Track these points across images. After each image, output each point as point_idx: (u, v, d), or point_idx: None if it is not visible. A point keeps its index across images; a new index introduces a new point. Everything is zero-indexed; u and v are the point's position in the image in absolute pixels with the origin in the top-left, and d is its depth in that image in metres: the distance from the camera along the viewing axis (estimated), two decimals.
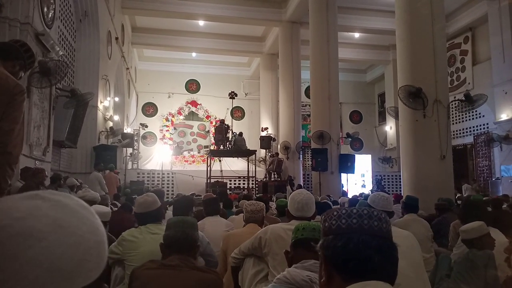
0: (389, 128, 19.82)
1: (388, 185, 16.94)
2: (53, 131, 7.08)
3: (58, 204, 0.56)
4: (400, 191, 10.66)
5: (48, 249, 0.51)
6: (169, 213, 4.75)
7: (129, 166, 15.76)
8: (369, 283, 0.89)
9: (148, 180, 14.87)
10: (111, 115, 12.46)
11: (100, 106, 11.19)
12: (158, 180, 14.98)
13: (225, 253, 3.01)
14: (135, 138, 16.21)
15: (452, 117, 11.38)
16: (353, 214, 0.95)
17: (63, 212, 0.55)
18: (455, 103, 9.79)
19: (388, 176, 17.45)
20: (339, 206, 6.11)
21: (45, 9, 6.48)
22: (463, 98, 8.91)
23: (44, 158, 6.61)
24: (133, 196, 8.34)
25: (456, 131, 15.77)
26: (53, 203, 0.55)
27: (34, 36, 6.06)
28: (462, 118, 15.79)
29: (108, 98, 12.22)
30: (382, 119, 21.46)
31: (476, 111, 14.50)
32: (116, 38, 13.31)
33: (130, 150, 15.61)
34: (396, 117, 9.52)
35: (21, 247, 0.49)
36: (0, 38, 5.55)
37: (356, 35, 17.45)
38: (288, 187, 12.41)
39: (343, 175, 13.12)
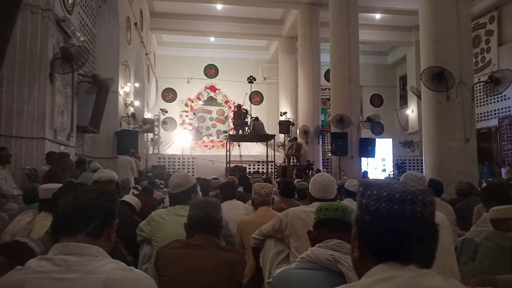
0: (411, 111, 19.47)
1: (409, 169, 16.72)
2: (77, 117, 7.22)
3: None
4: None
5: None
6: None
7: (150, 151, 15.99)
8: (397, 267, 0.86)
9: (169, 165, 15.08)
10: (131, 101, 12.58)
11: (121, 91, 11.30)
12: (178, 165, 15.18)
13: (242, 241, 3.04)
14: (156, 124, 16.39)
15: (476, 100, 11.05)
16: (395, 199, 0.88)
17: None
18: (479, 85, 9.51)
19: (409, 160, 17.22)
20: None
21: None
22: (488, 80, 8.66)
23: (69, 143, 6.76)
24: (155, 180, 8.49)
25: (480, 114, 15.38)
26: None
27: (55, 22, 6.14)
28: (487, 100, 15.36)
29: (129, 84, 12.32)
30: (404, 103, 21.08)
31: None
32: (135, 24, 13.35)
33: (150, 135, 15.82)
34: (419, 96, 9.34)
35: None
36: (22, 25, 5.65)
37: (377, 16, 17.05)
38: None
39: (363, 160, 13.02)
